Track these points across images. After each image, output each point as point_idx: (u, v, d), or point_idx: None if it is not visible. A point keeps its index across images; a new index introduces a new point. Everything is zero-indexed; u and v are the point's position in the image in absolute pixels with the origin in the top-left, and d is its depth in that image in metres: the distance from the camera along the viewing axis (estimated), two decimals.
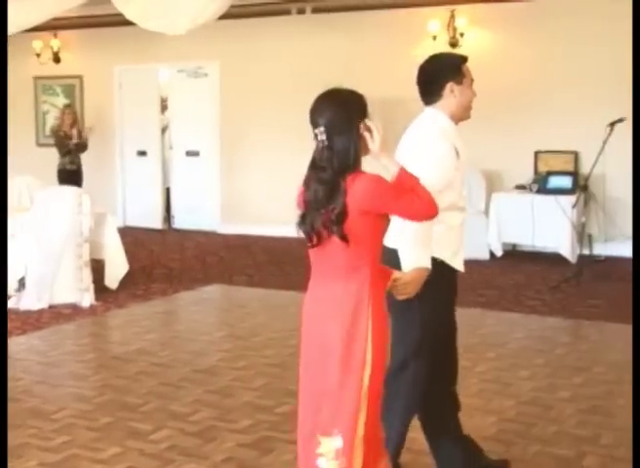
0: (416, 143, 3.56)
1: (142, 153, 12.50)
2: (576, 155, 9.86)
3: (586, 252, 8.87)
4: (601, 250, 9.52)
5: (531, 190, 9.63)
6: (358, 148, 2.88)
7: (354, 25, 10.90)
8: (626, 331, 6.60)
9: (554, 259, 9.15)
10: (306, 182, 2.94)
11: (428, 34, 10.44)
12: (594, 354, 5.80)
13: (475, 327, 6.72)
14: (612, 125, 8.24)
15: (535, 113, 9.95)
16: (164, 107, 12.69)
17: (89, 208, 7.51)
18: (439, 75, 3.61)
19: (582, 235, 8.91)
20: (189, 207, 12.33)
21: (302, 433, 2.97)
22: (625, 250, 9.59)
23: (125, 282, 8.08)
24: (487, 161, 10.03)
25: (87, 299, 7.42)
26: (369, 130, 2.89)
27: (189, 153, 12.34)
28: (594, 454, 4.10)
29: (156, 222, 12.37)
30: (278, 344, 6.18)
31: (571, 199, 8.85)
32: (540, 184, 9.57)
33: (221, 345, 6.24)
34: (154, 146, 12.47)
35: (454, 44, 10.38)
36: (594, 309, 7.18)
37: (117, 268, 8.00)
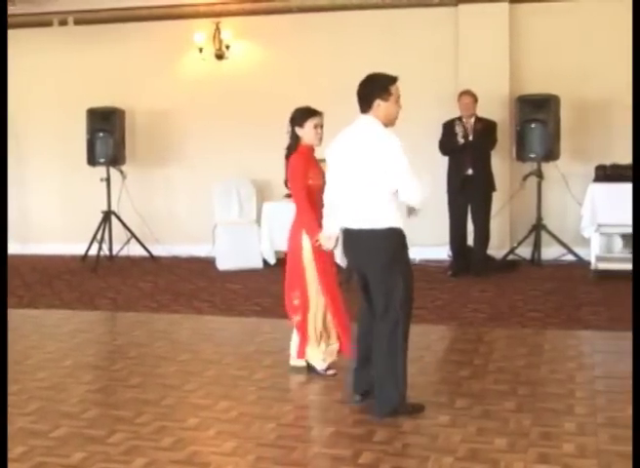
0: (375, 143, 4.59)
1: None
2: None
3: None
4: None
5: None
6: (293, 142, 5.65)
7: (119, 37, 10.76)
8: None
9: None
10: None
11: (194, 46, 10.49)
12: None
13: (252, 335, 6.84)
14: None
15: None
16: None
17: None
18: (370, 93, 4.68)
19: None
20: None
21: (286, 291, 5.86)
22: None
23: None
24: (257, 171, 10.14)
25: None
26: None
27: None
28: (369, 451, 4.24)
29: None
30: (52, 366, 5.99)
31: None
32: None
33: None
34: None
35: (220, 56, 10.49)
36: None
37: None
